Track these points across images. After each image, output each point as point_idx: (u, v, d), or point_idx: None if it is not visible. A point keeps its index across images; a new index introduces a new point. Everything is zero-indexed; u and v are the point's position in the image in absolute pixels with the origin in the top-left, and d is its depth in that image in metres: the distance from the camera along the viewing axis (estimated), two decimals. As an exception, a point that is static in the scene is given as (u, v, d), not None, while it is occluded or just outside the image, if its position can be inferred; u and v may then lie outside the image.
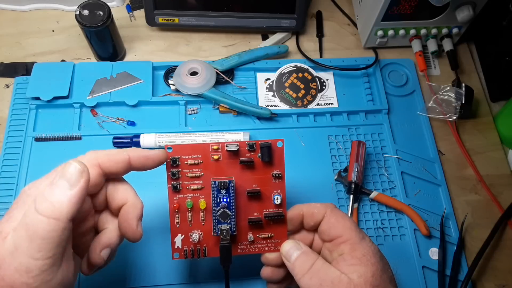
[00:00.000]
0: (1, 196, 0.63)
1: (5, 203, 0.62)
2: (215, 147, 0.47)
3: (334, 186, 0.67)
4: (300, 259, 0.45)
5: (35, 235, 0.34)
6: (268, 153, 0.47)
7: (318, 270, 0.43)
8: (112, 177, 0.43)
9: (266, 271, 0.50)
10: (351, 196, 0.65)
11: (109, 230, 0.43)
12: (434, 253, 0.63)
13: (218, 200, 0.47)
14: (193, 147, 0.47)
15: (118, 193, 0.43)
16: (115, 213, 0.43)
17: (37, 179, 0.39)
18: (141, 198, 0.64)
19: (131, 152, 0.43)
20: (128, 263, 0.59)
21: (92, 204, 0.43)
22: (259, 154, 0.47)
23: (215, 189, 0.47)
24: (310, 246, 0.49)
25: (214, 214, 0.47)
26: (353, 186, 0.64)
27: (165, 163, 0.46)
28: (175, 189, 0.47)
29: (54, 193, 0.35)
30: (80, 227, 0.42)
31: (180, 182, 0.47)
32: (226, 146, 0.47)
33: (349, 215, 0.64)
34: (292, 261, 0.45)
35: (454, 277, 0.61)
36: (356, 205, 0.65)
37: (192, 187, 0.47)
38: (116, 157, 0.42)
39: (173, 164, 0.47)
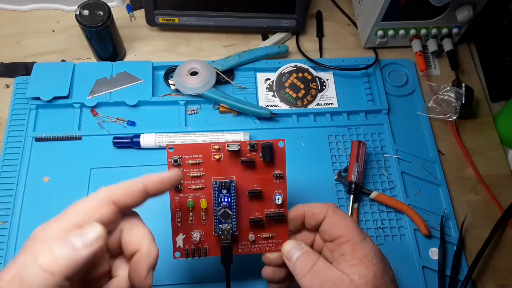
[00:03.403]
0: (1, 196, 0.63)
1: (5, 203, 0.62)
2: (217, 147, 0.47)
3: (334, 186, 0.67)
4: (301, 259, 0.45)
5: None
6: (269, 153, 0.47)
7: (319, 270, 0.43)
8: (128, 210, 0.41)
9: (267, 271, 0.50)
10: (351, 196, 0.65)
11: (119, 278, 0.41)
12: (434, 253, 0.63)
13: (219, 200, 0.47)
14: (195, 147, 0.47)
15: (133, 238, 0.40)
16: (129, 259, 0.41)
17: (48, 221, 0.37)
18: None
19: (146, 180, 0.40)
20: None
21: (107, 247, 0.41)
22: (261, 154, 0.47)
23: (216, 189, 0.47)
24: (311, 246, 0.49)
25: (215, 214, 0.47)
26: (353, 186, 0.65)
27: (166, 163, 0.47)
28: (177, 189, 0.47)
29: (63, 249, 0.33)
30: (93, 272, 0.41)
31: (182, 181, 0.47)
32: (228, 146, 0.47)
33: (349, 215, 0.64)
34: (293, 261, 0.45)
35: (454, 277, 0.61)
36: (356, 205, 0.65)
37: (193, 187, 0.47)
38: (130, 190, 0.39)
39: (174, 163, 0.47)
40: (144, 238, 0.40)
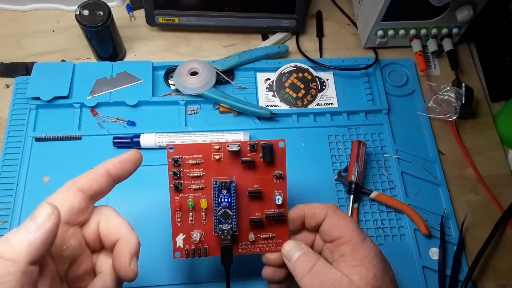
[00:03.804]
0: (1, 196, 0.63)
1: (5, 203, 0.62)
2: (217, 147, 0.47)
3: (334, 186, 0.67)
4: (301, 260, 0.45)
5: None
6: (269, 154, 0.47)
7: (319, 271, 0.43)
8: (98, 196, 0.42)
9: (267, 271, 0.50)
10: (351, 196, 0.65)
11: (104, 273, 0.41)
12: (434, 253, 0.63)
13: (219, 200, 0.47)
14: (195, 147, 0.47)
15: (111, 229, 0.41)
16: (111, 251, 0.41)
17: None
18: (143, 199, 0.64)
19: (106, 163, 0.42)
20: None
21: (86, 242, 0.42)
22: (261, 154, 0.47)
23: (216, 189, 0.47)
24: (311, 246, 0.49)
25: (215, 214, 0.47)
26: (353, 186, 0.65)
27: (166, 163, 0.47)
28: (177, 189, 0.47)
29: (17, 235, 0.33)
30: (75, 270, 0.40)
31: (182, 182, 0.47)
32: (228, 146, 0.47)
33: (349, 215, 0.64)
34: (293, 262, 0.45)
35: (454, 277, 0.62)
36: (356, 205, 0.65)
37: (193, 187, 0.47)
38: (93, 175, 0.41)
39: (174, 163, 0.47)
40: (122, 227, 0.41)
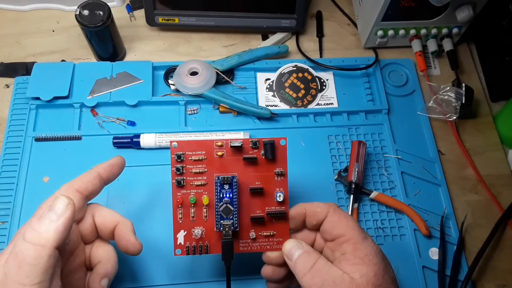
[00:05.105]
0: (1, 196, 0.63)
1: (5, 203, 0.62)
2: (219, 143, 0.48)
3: (334, 186, 0.67)
4: (302, 258, 0.45)
5: (23, 262, 0.36)
6: (271, 151, 0.47)
7: (320, 269, 0.43)
8: (92, 196, 0.47)
9: (266, 270, 0.50)
10: (351, 196, 0.65)
11: (104, 262, 0.47)
12: (434, 253, 0.63)
13: (221, 196, 0.47)
14: (198, 144, 0.48)
15: (107, 219, 0.47)
16: (108, 238, 0.47)
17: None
18: (143, 198, 0.64)
19: (97, 167, 0.47)
20: (128, 262, 0.59)
21: (80, 236, 0.46)
22: (262, 152, 0.48)
23: (218, 184, 0.47)
24: (312, 245, 0.49)
25: (216, 210, 0.47)
26: (353, 186, 0.64)
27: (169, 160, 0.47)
28: (179, 185, 0.48)
29: (41, 224, 0.38)
30: (71, 263, 0.45)
31: (184, 177, 0.48)
32: (230, 142, 0.47)
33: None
34: (294, 260, 0.46)
35: (454, 277, 0.61)
36: (356, 205, 0.65)
37: (195, 183, 0.48)
38: (88, 178, 0.46)
39: (177, 159, 0.47)
40: (114, 215, 0.47)
